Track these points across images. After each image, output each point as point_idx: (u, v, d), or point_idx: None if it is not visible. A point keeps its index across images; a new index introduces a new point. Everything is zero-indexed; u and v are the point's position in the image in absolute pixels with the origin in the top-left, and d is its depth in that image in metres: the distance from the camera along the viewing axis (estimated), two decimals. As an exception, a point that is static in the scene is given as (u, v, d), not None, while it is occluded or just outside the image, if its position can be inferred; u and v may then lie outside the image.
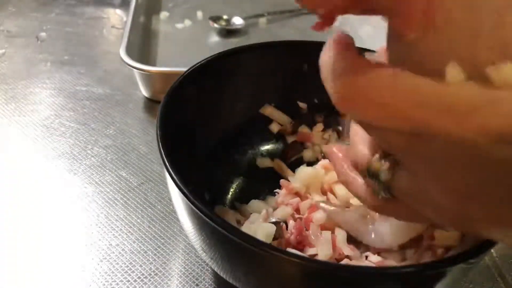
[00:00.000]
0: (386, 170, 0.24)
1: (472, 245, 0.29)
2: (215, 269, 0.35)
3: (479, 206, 0.20)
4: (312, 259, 0.34)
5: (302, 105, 0.50)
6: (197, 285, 0.41)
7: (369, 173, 0.26)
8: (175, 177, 0.30)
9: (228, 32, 0.83)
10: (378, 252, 0.40)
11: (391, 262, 0.38)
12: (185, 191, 0.29)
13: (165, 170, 0.32)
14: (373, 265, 0.38)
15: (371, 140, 0.28)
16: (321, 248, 0.38)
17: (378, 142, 0.25)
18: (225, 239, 0.29)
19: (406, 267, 0.29)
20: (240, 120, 0.48)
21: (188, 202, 0.29)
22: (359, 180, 0.29)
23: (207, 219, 0.29)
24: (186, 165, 0.34)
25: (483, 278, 0.44)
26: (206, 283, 0.42)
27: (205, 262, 0.43)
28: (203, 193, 0.43)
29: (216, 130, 0.46)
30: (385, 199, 0.26)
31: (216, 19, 0.83)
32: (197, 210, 0.29)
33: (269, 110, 0.49)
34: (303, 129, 0.50)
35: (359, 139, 0.28)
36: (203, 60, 0.43)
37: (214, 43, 0.81)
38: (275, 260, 0.28)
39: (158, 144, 0.33)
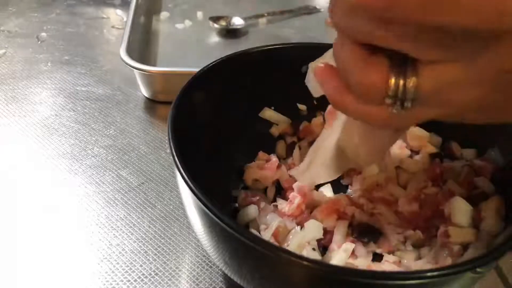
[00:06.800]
0: (415, 81, 0.23)
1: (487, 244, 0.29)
2: (223, 268, 0.36)
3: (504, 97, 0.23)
4: (319, 262, 0.34)
5: (302, 106, 0.50)
6: (197, 284, 0.42)
7: (393, 94, 0.24)
8: (188, 180, 0.31)
9: (228, 32, 0.83)
10: (392, 251, 0.39)
11: (408, 261, 0.38)
12: (199, 195, 0.30)
13: (177, 171, 0.32)
14: (391, 264, 0.38)
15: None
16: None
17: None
18: (235, 240, 0.29)
19: (405, 275, 0.29)
20: (241, 124, 0.47)
21: (202, 205, 0.30)
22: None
23: (219, 221, 0.29)
24: (193, 167, 0.35)
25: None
26: (206, 283, 0.42)
27: (205, 262, 0.43)
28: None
29: (219, 133, 0.46)
30: (404, 110, 0.25)
31: (216, 19, 0.83)
32: (209, 212, 0.30)
33: (268, 113, 0.49)
34: (304, 124, 0.49)
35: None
36: (211, 64, 0.43)
37: (214, 43, 0.81)
38: (288, 263, 0.28)
39: (169, 146, 0.34)
